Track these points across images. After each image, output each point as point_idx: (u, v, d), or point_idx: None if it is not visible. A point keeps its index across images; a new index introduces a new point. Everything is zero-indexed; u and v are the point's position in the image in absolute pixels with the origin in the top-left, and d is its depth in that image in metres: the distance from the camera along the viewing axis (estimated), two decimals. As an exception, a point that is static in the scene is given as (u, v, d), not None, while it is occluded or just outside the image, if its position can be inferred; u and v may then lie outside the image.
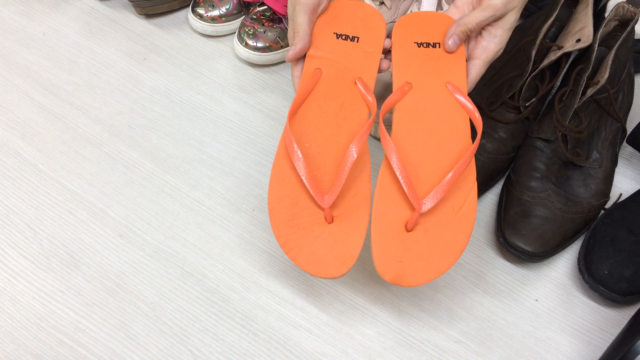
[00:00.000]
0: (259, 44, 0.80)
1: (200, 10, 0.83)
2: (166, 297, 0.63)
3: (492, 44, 0.57)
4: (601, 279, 0.62)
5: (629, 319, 0.62)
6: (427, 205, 0.52)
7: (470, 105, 0.56)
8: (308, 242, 0.53)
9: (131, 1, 0.83)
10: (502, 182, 0.72)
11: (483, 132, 0.70)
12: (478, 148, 0.69)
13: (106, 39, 0.84)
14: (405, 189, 0.52)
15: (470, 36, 0.58)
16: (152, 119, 0.76)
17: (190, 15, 0.84)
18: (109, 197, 0.70)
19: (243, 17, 0.84)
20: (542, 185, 0.67)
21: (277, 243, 0.67)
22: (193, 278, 0.65)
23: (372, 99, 0.57)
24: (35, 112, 0.76)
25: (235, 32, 0.84)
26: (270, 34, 0.80)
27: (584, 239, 0.67)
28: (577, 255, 0.67)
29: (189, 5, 0.87)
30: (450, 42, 0.58)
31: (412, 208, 0.53)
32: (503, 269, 0.67)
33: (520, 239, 0.64)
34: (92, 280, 0.64)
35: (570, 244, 0.67)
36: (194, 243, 0.67)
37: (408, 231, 0.53)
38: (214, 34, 0.84)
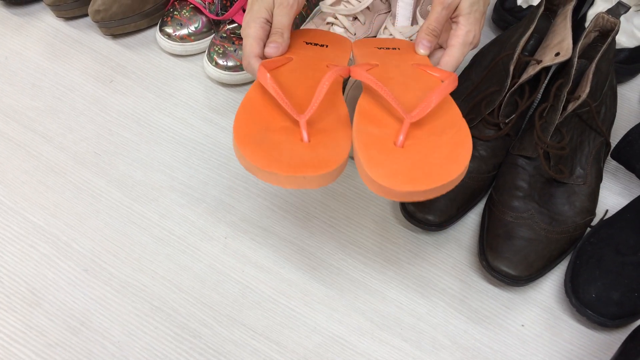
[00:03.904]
0: (230, 63, 0.77)
1: (169, 30, 0.80)
2: (134, 335, 0.60)
3: (458, 30, 0.58)
4: (589, 303, 0.60)
5: (619, 342, 0.60)
6: (414, 117, 0.48)
7: (438, 73, 0.56)
8: (284, 153, 0.46)
9: (96, 22, 0.80)
10: (484, 202, 0.70)
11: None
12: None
13: (71, 61, 0.81)
14: (390, 101, 0.49)
15: (439, 36, 0.60)
16: (119, 145, 0.73)
17: (158, 35, 0.81)
18: (73, 229, 0.66)
19: (213, 35, 0.81)
20: (525, 205, 0.64)
21: (250, 273, 0.64)
22: (162, 313, 0.61)
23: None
24: (-4, 141, 0.73)
25: (205, 51, 0.81)
26: (241, 53, 0.77)
27: (570, 260, 0.64)
28: (563, 276, 0.65)
29: (156, 24, 0.83)
30: (421, 49, 0.59)
31: (399, 123, 0.49)
32: (487, 293, 0.64)
33: (503, 262, 0.61)
34: (55, 318, 0.60)
35: (556, 265, 0.65)
36: (164, 275, 0.64)
37: (398, 146, 0.48)
38: (183, 53, 0.81)
